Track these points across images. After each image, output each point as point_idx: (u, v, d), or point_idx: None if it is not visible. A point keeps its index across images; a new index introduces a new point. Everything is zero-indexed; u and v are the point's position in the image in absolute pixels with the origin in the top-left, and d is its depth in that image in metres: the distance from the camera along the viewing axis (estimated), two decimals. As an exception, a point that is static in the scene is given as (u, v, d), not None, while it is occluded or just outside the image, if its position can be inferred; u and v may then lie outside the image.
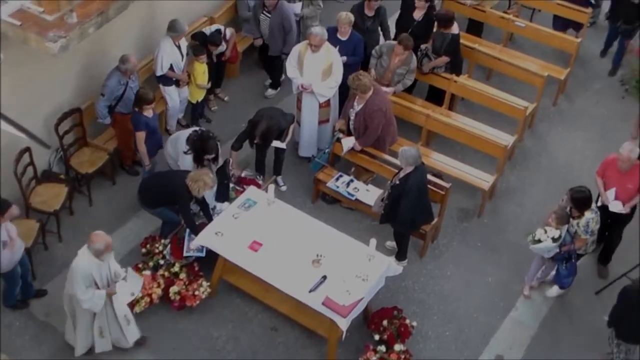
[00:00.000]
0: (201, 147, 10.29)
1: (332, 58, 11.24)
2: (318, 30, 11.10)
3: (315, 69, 11.19)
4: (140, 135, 10.36)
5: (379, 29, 12.37)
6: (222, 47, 11.86)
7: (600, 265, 10.74)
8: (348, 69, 11.39)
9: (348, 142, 11.00)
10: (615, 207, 10.06)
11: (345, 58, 11.58)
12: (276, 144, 10.95)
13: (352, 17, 11.67)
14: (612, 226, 10.42)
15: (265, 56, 12.76)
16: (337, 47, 11.52)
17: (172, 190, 9.73)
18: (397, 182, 9.80)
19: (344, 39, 11.70)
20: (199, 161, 10.37)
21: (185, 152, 10.36)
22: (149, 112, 10.36)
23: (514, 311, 10.28)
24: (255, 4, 12.27)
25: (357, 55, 11.79)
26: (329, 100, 11.49)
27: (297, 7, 12.65)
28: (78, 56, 10.47)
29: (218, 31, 11.69)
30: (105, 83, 10.55)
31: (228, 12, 12.61)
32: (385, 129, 10.90)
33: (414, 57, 11.74)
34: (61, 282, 9.89)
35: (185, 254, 9.87)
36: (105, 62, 10.82)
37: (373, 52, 11.84)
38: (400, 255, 10.52)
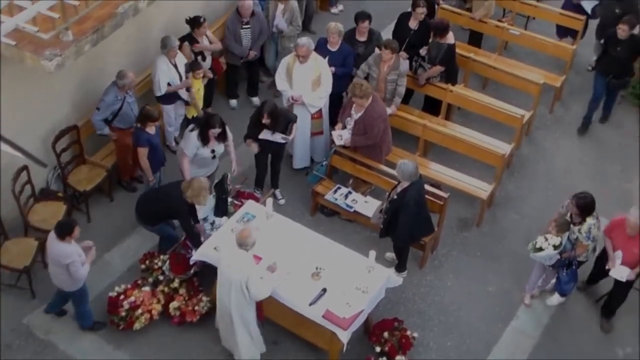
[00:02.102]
0: (205, 122, 10.32)
1: (320, 68, 11.26)
2: (304, 41, 11.11)
3: (304, 80, 11.20)
4: (143, 151, 10.34)
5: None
6: (206, 40, 11.88)
7: (603, 318, 10.27)
8: (337, 80, 11.44)
9: (339, 135, 11.04)
10: (618, 273, 9.55)
11: (334, 69, 11.59)
12: (279, 137, 10.82)
13: (341, 27, 11.69)
14: (616, 284, 9.91)
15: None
16: (327, 58, 11.54)
17: (169, 204, 9.73)
18: (395, 196, 9.79)
19: (333, 49, 11.73)
20: (204, 138, 10.31)
21: (190, 130, 10.34)
22: (151, 129, 10.36)
23: (515, 320, 10.25)
24: (232, 25, 12.16)
25: (347, 67, 11.79)
26: (321, 111, 11.50)
27: (279, 19, 12.63)
28: (74, 73, 10.49)
29: (197, 16, 11.69)
30: (102, 98, 10.56)
31: (222, 28, 12.59)
32: (382, 137, 10.91)
33: (402, 61, 11.69)
34: (61, 300, 9.93)
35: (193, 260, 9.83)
36: (101, 78, 10.84)
37: (360, 70, 11.70)
38: (400, 267, 10.50)
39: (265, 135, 10.74)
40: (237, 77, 12.99)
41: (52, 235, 8.88)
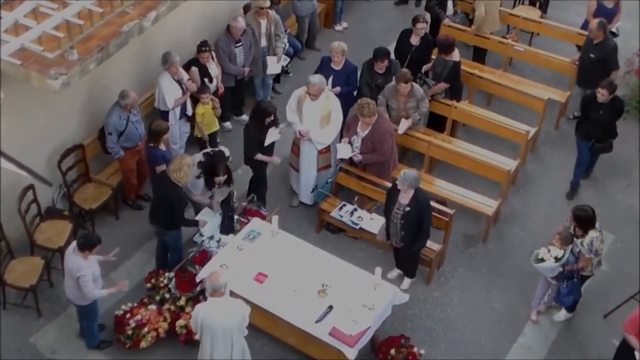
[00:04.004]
0: (211, 170, 10.29)
1: (330, 106, 11.10)
2: (316, 80, 10.90)
3: (313, 116, 11.04)
4: (161, 169, 10.28)
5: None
6: (213, 67, 11.89)
7: None
8: (341, 99, 11.38)
9: (344, 149, 11.01)
10: None
11: (338, 89, 11.58)
12: (277, 132, 10.91)
13: (344, 46, 11.66)
14: None
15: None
16: (331, 77, 11.54)
17: (164, 195, 9.76)
18: (408, 208, 9.78)
19: (337, 68, 11.71)
20: (209, 185, 10.37)
21: (197, 177, 10.33)
22: (162, 146, 10.38)
23: (522, 336, 10.21)
24: (226, 47, 12.10)
25: (351, 85, 11.77)
26: (329, 146, 11.37)
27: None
28: (79, 92, 10.53)
29: (204, 41, 11.76)
30: (107, 120, 10.58)
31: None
32: (390, 152, 10.96)
33: (417, 85, 11.65)
34: (67, 319, 9.92)
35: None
36: (106, 97, 10.87)
37: (379, 99, 11.55)
38: (412, 273, 10.57)
39: (271, 136, 10.80)
40: (230, 99, 12.85)
41: (71, 246, 8.87)
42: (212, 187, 10.44)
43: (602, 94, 11.23)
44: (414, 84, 11.56)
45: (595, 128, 11.54)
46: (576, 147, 11.96)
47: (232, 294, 8.94)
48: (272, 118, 10.74)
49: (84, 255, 8.74)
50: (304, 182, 11.60)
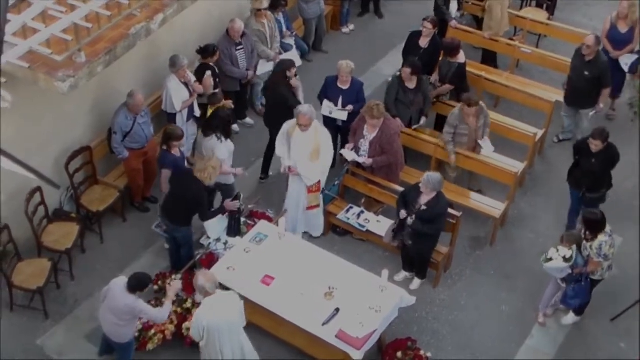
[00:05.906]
0: (219, 117, 10.60)
1: (319, 140, 10.62)
2: (306, 110, 10.42)
3: (303, 149, 10.58)
4: (166, 173, 10.26)
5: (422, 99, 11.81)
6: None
7: None
8: (355, 116, 11.17)
9: (348, 155, 10.95)
10: None
11: (351, 107, 11.40)
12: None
13: (352, 65, 11.41)
14: None
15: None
16: (340, 97, 11.43)
17: (190, 195, 9.79)
18: (424, 207, 9.81)
19: (345, 87, 11.49)
20: (228, 132, 10.70)
21: (220, 142, 10.47)
22: (176, 151, 10.38)
23: (530, 339, 10.19)
24: (227, 49, 12.05)
25: (360, 101, 11.48)
26: (319, 184, 10.84)
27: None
28: (87, 95, 10.55)
29: (210, 45, 11.79)
30: (114, 120, 10.60)
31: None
32: (398, 154, 10.98)
33: (481, 103, 11.44)
34: (74, 321, 9.93)
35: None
36: (114, 99, 10.87)
37: (448, 130, 11.39)
38: (423, 274, 10.60)
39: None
40: (236, 102, 12.59)
41: (118, 285, 8.67)
42: (230, 132, 10.82)
43: (595, 145, 10.48)
44: (482, 105, 11.40)
45: (585, 177, 10.85)
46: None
47: (240, 297, 8.99)
48: (294, 70, 11.36)
49: (137, 295, 8.60)
50: (290, 222, 10.86)
